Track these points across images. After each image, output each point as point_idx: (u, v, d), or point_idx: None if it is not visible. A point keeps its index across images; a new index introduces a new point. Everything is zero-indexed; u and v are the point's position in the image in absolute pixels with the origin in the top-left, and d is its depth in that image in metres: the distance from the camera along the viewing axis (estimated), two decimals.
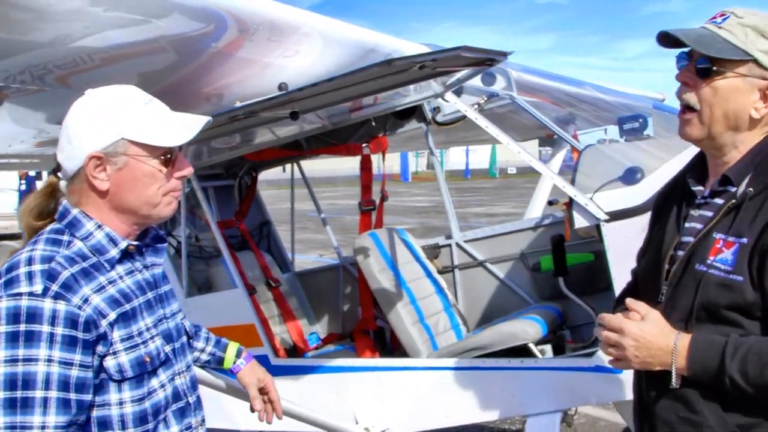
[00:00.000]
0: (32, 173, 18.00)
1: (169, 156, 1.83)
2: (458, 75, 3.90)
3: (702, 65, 1.84)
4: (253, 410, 2.35)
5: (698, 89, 1.85)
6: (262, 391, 2.36)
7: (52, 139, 3.45)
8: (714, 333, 1.78)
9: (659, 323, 1.83)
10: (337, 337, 5.41)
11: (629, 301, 1.89)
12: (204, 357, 2.34)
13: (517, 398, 3.70)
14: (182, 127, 1.84)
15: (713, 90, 1.83)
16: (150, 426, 1.79)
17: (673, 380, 1.80)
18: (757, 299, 1.75)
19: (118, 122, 1.76)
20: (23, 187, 17.91)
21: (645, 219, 3.40)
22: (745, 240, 1.77)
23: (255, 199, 5.76)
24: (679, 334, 1.80)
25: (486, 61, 3.03)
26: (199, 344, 2.33)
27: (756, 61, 1.80)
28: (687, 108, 1.90)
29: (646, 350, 1.81)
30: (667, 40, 1.90)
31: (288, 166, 5.86)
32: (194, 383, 2.01)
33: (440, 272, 4.85)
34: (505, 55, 2.98)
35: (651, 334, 1.81)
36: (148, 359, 1.79)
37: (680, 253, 1.91)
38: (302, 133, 4.82)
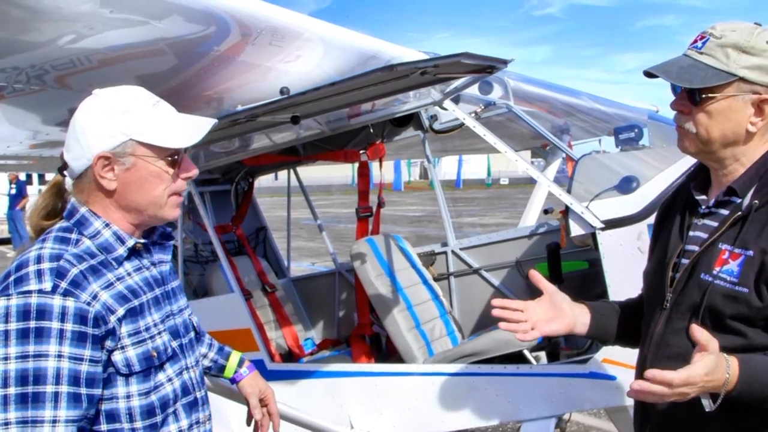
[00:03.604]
0: (22, 177, 17.95)
1: (175, 157, 1.85)
2: (457, 83, 3.93)
3: (692, 94, 1.87)
4: (249, 422, 2.36)
5: (693, 115, 1.89)
6: (262, 402, 2.37)
7: (48, 141, 3.46)
8: (719, 342, 1.77)
9: (717, 354, 1.71)
10: (333, 342, 5.42)
11: (697, 336, 1.71)
12: (206, 363, 2.35)
13: (511, 404, 3.72)
14: (189, 129, 1.87)
15: (707, 114, 1.86)
16: (158, 419, 1.82)
17: (710, 404, 1.71)
18: (762, 311, 1.77)
19: (127, 123, 1.79)
20: (13, 191, 17.85)
21: (640, 227, 3.48)
22: (751, 252, 1.79)
23: (251, 204, 5.77)
24: (728, 360, 1.71)
25: (486, 68, 3.06)
26: (202, 349, 2.33)
27: (743, 79, 1.82)
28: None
29: (707, 387, 1.70)
30: (653, 75, 1.93)
31: (281, 174, 5.85)
32: (202, 378, 2.04)
33: (436, 279, 4.87)
34: (505, 62, 3.00)
35: (715, 371, 1.69)
36: (155, 354, 1.81)
37: (684, 261, 1.94)
38: (300, 139, 4.84)
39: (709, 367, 1.68)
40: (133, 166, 1.80)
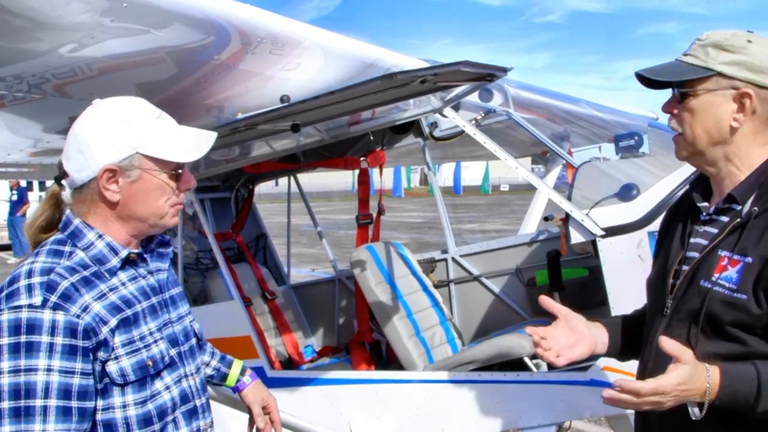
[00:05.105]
0: (23, 183, 17.97)
1: (179, 171, 1.89)
2: (457, 90, 3.94)
3: (676, 92, 1.92)
4: (250, 431, 2.36)
5: (679, 114, 1.93)
6: (264, 410, 2.37)
7: (48, 148, 3.47)
8: (718, 349, 1.80)
9: (695, 364, 1.74)
10: (333, 349, 5.42)
11: (665, 346, 1.75)
12: (208, 371, 2.36)
13: (512, 411, 3.71)
14: (193, 143, 1.91)
15: (690, 111, 1.90)
16: (156, 427, 1.83)
17: (696, 412, 1.74)
18: (761, 318, 1.77)
19: (134, 137, 1.81)
20: (14, 198, 17.87)
21: (640, 235, 3.48)
22: (749, 259, 1.80)
23: (251, 211, 5.78)
24: (709, 369, 1.73)
25: (486, 76, 3.06)
26: (204, 357, 2.34)
27: (721, 74, 1.86)
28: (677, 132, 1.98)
29: (684, 397, 1.74)
30: (644, 80, 1.98)
31: (281, 180, 5.86)
32: (203, 386, 2.04)
33: (436, 286, 4.87)
34: (505, 70, 3.01)
35: (690, 381, 1.72)
36: (150, 363, 1.82)
37: (685, 268, 1.95)
38: (300, 146, 4.85)
39: (682, 377, 1.70)
40: (138, 179, 1.83)
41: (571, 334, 2.12)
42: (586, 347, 2.13)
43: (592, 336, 2.15)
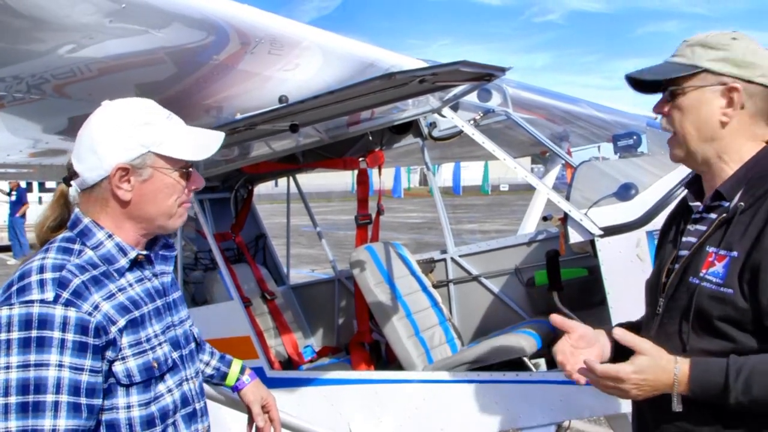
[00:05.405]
0: (23, 185, 18.00)
1: (189, 169, 1.91)
2: (455, 90, 3.95)
3: (666, 91, 1.95)
4: (250, 430, 2.37)
5: (669, 113, 1.95)
6: (264, 409, 2.38)
7: (48, 149, 3.47)
8: (709, 346, 1.81)
9: (654, 355, 1.79)
10: (332, 350, 5.42)
11: (619, 336, 1.83)
12: (208, 371, 2.36)
13: (511, 411, 3.71)
14: (203, 142, 1.93)
15: (679, 108, 1.92)
16: (158, 429, 1.83)
17: (674, 404, 1.78)
18: (747, 312, 1.78)
19: (146, 136, 1.83)
20: (13, 198, 17.90)
21: (639, 234, 3.49)
22: (735, 253, 1.81)
23: (251, 211, 5.78)
24: (677, 361, 1.77)
25: (485, 76, 3.07)
26: (204, 357, 2.35)
27: (708, 70, 1.88)
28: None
29: (649, 387, 1.79)
30: (634, 83, 2.02)
31: (281, 181, 5.86)
32: (202, 390, 2.05)
33: (435, 286, 4.87)
34: (503, 70, 3.02)
35: (650, 371, 1.77)
36: (155, 365, 1.82)
37: (677, 266, 1.96)
38: (299, 147, 4.86)
39: (640, 366, 1.76)
40: (150, 178, 1.85)
41: (585, 346, 2.09)
42: (597, 358, 2.12)
43: (601, 345, 2.15)
